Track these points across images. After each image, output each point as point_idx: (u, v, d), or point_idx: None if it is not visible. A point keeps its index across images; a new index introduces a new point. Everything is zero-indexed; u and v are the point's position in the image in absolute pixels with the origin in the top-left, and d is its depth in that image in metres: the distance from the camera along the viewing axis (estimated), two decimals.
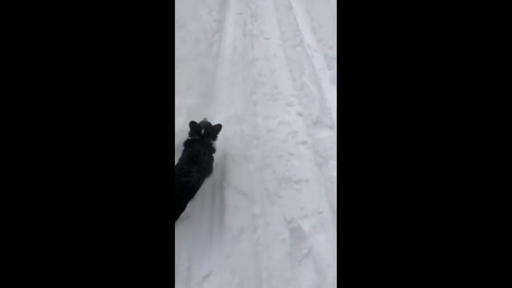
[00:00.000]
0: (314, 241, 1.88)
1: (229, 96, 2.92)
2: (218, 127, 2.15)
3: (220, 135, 2.38)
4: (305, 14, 4.46)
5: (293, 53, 3.71)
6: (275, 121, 2.81)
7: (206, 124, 2.13)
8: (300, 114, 2.87)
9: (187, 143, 2.04)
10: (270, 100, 3.07)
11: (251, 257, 1.77)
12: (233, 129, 2.56)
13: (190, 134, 2.09)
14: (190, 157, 1.89)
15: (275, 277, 1.74)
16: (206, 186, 2.11)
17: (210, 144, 2.08)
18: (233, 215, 1.95)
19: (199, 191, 2.05)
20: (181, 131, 2.25)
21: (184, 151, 1.99)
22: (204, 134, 2.07)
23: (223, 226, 1.88)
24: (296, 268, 1.80)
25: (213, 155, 2.12)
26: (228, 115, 2.67)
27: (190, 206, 1.94)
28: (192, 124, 2.09)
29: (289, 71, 3.46)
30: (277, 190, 2.21)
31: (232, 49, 3.65)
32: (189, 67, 3.06)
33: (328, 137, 2.57)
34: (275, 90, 3.20)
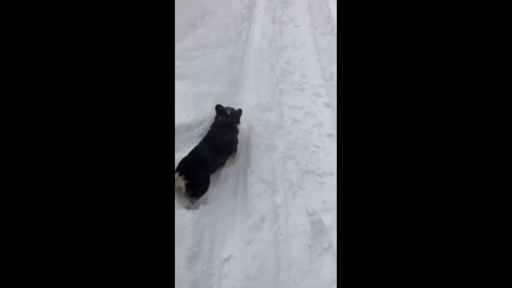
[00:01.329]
0: (335, 235, 1.86)
1: (255, 84, 2.89)
2: (239, 111, 2.31)
3: (244, 123, 2.40)
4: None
5: (323, 41, 3.57)
6: (301, 112, 2.75)
7: (229, 109, 2.29)
8: (328, 105, 2.78)
9: (212, 125, 2.19)
10: (297, 90, 3.00)
11: (271, 245, 1.79)
12: (258, 118, 2.55)
13: (216, 117, 2.22)
14: (207, 136, 2.07)
15: (294, 267, 1.74)
16: (231, 171, 2.14)
17: (233, 126, 2.19)
18: (256, 203, 1.96)
19: (223, 177, 2.09)
20: (208, 117, 2.28)
21: (208, 131, 2.14)
22: (230, 115, 2.22)
23: (245, 212, 1.90)
24: (315, 261, 1.79)
25: (238, 137, 2.23)
26: (254, 103, 2.65)
27: (216, 190, 1.98)
28: (219, 107, 2.24)
29: (318, 60, 3.34)
30: (300, 181, 2.19)
31: (260, 36, 3.59)
32: (218, 54, 3.06)
33: None
34: (303, 80, 3.12)
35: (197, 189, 1.84)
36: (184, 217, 1.71)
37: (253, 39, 3.54)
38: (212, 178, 2.00)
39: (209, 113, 2.31)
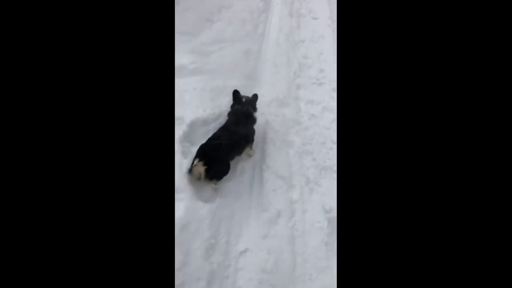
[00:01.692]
0: None
1: (272, 79, 2.86)
2: (254, 97, 2.28)
3: (261, 118, 2.39)
4: None
5: None
6: (318, 107, 2.70)
7: (245, 97, 2.27)
8: None
9: (228, 114, 2.21)
10: (315, 84, 2.94)
11: (287, 241, 1.79)
12: (274, 113, 2.53)
13: (232, 105, 2.24)
14: (224, 126, 2.10)
15: (310, 264, 1.74)
16: (246, 166, 2.15)
17: (250, 114, 2.19)
18: (271, 198, 1.96)
19: (239, 171, 2.10)
20: (225, 111, 2.29)
21: (226, 121, 2.17)
22: (245, 103, 2.22)
23: (261, 207, 1.91)
24: (332, 258, 1.77)
25: (255, 127, 2.22)
26: (270, 98, 2.63)
27: (233, 184, 1.99)
28: (236, 93, 2.24)
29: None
30: (317, 178, 2.16)
31: (277, 29, 3.54)
32: (234, 48, 3.05)
33: None
34: (321, 74, 3.05)
35: (216, 173, 1.88)
36: (202, 210, 1.74)
37: (270, 32, 3.49)
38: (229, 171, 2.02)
39: (226, 108, 2.32)
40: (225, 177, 1.98)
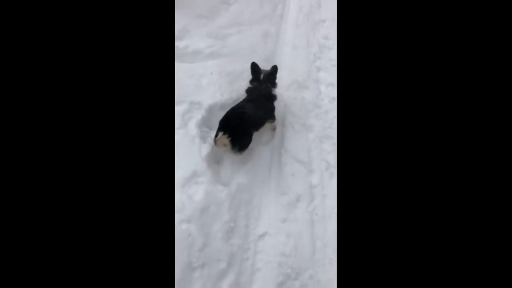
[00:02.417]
0: None
1: (291, 61, 2.77)
2: (273, 69, 2.21)
3: (280, 102, 2.33)
4: None
5: None
6: None
7: (263, 71, 2.22)
8: None
9: (247, 91, 2.18)
10: (336, 66, 2.81)
11: (306, 225, 1.77)
12: (294, 96, 2.46)
13: (251, 80, 2.21)
14: (246, 99, 2.09)
15: (329, 248, 1.71)
16: (265, 150, 2.13)
17: (269, 91, 2.15)
18: (291, 182, 1.94)
19: (257, 155, 2.08)
20: (242, 95, 2.25)
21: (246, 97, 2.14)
22: (263, 80, 2.15)
23: (280, 191, 1.89)
24: None
25: (275, 104, 2.18)
26: (289, 81, 2.55)
27: (251, 168, 1.97)
28: (254, 65, 2.20)
29: None
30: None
31: (297, 10, 3.38)
32: (252, 31, 2.96)
33: None
34: None
35: (240, 143, 1.88)
36: (221, 193, 1.76)
37: (289, 13, 3.35)
38: (247, 155, 2.01)
39: (243, 92, 2.28)
40: (244, 161, 1.97)
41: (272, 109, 2.16)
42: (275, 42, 2.92)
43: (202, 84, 2.34)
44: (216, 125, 2.13)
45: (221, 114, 2.22)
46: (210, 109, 2.17)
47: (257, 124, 2.02)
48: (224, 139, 1.82)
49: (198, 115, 2.09)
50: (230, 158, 1.96)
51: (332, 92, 2.57)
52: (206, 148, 1.90)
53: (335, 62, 2.86)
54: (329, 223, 1.81)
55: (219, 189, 1.76)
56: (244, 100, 2.10)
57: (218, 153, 1.96)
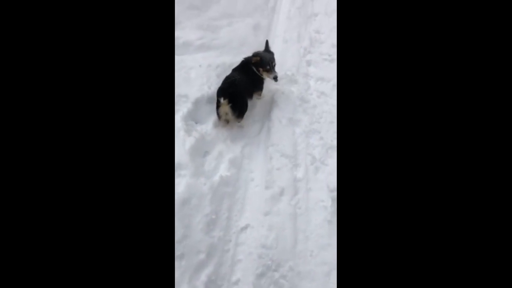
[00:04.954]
0: None
1: (281, 55, 2.75)
2: (257, 58, 2.26)
3: (267, 96, 2.33)
4: None
5: None
6: (329, 84, 2.57)
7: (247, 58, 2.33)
8: None
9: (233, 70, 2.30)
10: (326, 61, 2.79)
11: (289, 218, 1.78)
12: (282, 90, 2.45)
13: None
14: (233, 69, 2.27)
15: (311, 240, 1.73)
16: (250, 144, 2.13)
17: (250, 59, 2.27)
18: (275, 176, 1.94)
19: (243, 148, 2.08)
20: None
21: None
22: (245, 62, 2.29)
23: (264, 185, 1.90)
24: (334, 236, 1.75)
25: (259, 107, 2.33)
26: (278, 75, 2.54)
27: (235, 161, 1.98)
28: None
29: None
30: (323, 157, 2.10)
31: (289, 3, 3.35)
32: (244, 23, 2.93)
33: None
34: (333, 50, 2.88)
35: (239, 109, 2.06)
36: (204, 186, 1.76)
37: (281, 6, 3.32)
38: (233, 147, 2.02)
39: None
40: (229, 154, 1.97)
41: (260, 79, 2.28)
42: (266, 35, 2.90)
43: (191, 77, 2.33)
44: (202, 118, 2.13)
45: (208, 108, 2.22)
46: (197, 102, 2.16)
47: (248, 91, 2.20)
48: (225, 106, 2.00)
49: (184, 108, 2.08)
50: (215, 151, 1.97)
51: (321, 86, 2.56)
52: (190, 141, 1.90)
53: (326, 56, 2.85)
54: (312, 216, 1.83)
55: (201, 181, 1.77)
56: (232, 70, 2.26)
57: (202, 146, 1.96)
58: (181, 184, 1.68)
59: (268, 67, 2.22)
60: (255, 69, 2.25)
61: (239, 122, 2.14)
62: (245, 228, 1.73)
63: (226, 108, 2.01)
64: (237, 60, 2.51)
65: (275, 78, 2.24)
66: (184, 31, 2.72)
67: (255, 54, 2.26)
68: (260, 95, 2.38)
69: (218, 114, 2.07)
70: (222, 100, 2.00)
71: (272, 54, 2.33)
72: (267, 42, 2.39)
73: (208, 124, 2.10)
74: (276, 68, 2.60)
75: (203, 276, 1.48)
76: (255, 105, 2.37)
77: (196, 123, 2.07)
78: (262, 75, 2.27)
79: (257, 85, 2.31)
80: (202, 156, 1.93)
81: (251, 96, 2.27)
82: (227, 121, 2.11)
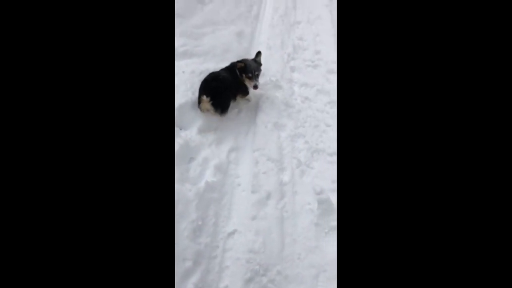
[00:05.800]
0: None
1: (265, 61, 2.79)
2: (242, 64, 2.33)
3: (252, 101, 2.35)
4: None
5: None
6: (313, 90, 2.64)
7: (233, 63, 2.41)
8: None
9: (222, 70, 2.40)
10: (310, 67, 2.87)
11: (276, 222, 1.78)
12: (266, 95, 2.48)
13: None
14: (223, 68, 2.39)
15: (298, 244, 1.73)
16: (238, 148, 2.13)
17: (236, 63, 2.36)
18: (262, 180, 1.95)
19: (228, 154, 2.08)
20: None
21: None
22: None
23: (250, 189, 1.90)
24: (322, 239, 1.76)
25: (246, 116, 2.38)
26: (263, 81, 2.57)
27: (222, 167, 1.97)
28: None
29: (334, 35, 3.15)
30: (309, 160, 2.13)
31: (272, 11, 3.44)
32: (227, 31, 2.97)
33: None
34: (316, 56, 2.97)
35: (221, 104, 2.15)
36: (189, 192, 1.74)
37: (264, 14, 3.40)
38: (218, 152, 2.01)
39: None
40: (215, 160, 1.96)
41: (244, 84, 2.34)
42: (250, 42, 2.95)
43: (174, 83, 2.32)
44: (187, 124, 2.12)
45: (192, 113, 2.21)
46: (181, 108, 2.15)
47: (232, 88, 2.27)
48: (207, 103, 2.10)
49: None
50: (200, 156, 1.96)
51: (305, 92, 2.62)
52: (174, 148, 1.88)
53: (309, 63, 2.92)
54: (298, 220, 1.83)
55: (187, 188, 1.75)
56: (220, 69, 2.36)
57: (186, 152, 1.94)
58: None
59: (250, 75, 2.27)
60: (239, 74, 2.30)
61: (220, 115, 2.21)
62: (232, 233, 1.71)
63: (207, 105, 2.11)
64: (220, 66, 2.54)
65: (255, 87, 2.28)
66: None
67: (241, 61, 2.31)
68: (245, 97, 2.43)
69: (199, 108, 2.17)
70: (204, 97, 2.09)
71: (259, 64, 2.39)
72: (258, 53, 2.42)
73: (193, 130, 2.08)
74: (261, 74, 2.65)
75: (190, 285, 1.44)
76: (241, 110, 2.39)
77: (181, 129, 2.05)
78: (244, 81, 2.30)
79: (240, 88, 2.36)
80: (187, 162, 1.91)
81: (234, 97, 2.34)
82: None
